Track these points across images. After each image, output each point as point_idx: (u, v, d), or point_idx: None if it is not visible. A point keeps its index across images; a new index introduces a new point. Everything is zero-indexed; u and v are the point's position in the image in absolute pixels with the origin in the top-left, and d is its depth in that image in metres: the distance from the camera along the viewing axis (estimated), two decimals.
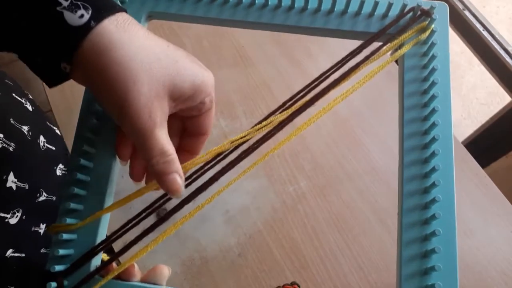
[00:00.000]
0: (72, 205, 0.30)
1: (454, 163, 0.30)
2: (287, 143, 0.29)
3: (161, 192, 0.29)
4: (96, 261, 0.30)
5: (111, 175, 0.32)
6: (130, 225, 0.30)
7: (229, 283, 0.57)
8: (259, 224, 0.61)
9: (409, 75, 0.33)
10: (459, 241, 0.54)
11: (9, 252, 0.53)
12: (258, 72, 0.73)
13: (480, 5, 1.82)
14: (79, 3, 0.26)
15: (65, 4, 0.25)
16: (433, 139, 0.30)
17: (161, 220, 0.28)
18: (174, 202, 0.29)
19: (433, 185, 0.29)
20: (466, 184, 0.64)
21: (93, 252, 0.29)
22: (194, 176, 0.30)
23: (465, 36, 0.91)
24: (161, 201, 0.30)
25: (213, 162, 0.31)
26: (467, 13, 0.89)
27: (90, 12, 0.26)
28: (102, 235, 0.31)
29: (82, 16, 0.25)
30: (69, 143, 0.66)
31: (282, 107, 0.31)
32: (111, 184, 0.32)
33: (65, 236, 0.29)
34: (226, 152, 0.31)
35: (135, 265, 0.30)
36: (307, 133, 0.67)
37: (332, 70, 0.31)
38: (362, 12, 0.34)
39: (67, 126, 0.69)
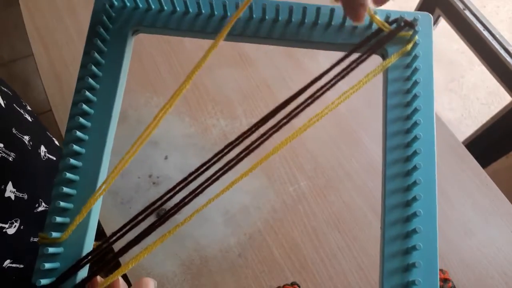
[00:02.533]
0: (58, 219, 0.30)
1: (436, 175, 0.31)
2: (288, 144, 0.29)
3: (159, 193, 0.29)
4: (82, 274, 0.30)
5: (97, 187, 0.32)
6: (125, 229, 0.29)
7: (229, 283, 0.57)
8: (259, 224, 0.61)
9: (392, 86, 0.33)
10: (459, 241, 0.54)
11: (7, 263, 0.53)
12: (258, 72, 0.73)
13: (481, 5, 1.82)
14: None
15: None
16: (415, 153, 0.31)
17: (156, 224, 0.28)
18: (171, 205, 0.29)
19: (415, 183, 0.30)
20: (467, 184, 0.64)
21: (79, 265, 0.29)
22: (190, 178, 0.30)
23: (466, 35, 0.91)
24: (159, 202, 0.30)
25: (212, 162, 0.31)
26: (467, 12, 0.89)
27: None
28: (88, 247, 0.31)
29: None
30: None
31: (265, 119, 0.31)
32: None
33: (51, 249, 0.29)
34: (221, 155, 0.31)
35: (120, 279, 0.29)
36: (307, 133, 0.66)
37: (313, 82, 0.31)
38: (346, 24, 0.34)
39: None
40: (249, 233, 0.60)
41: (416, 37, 0.33)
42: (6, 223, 0.52)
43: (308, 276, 0.57)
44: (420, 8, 1.02)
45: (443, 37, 1.64)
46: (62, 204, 0.30)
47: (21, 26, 0.77)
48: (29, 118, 0.62)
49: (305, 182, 0.64)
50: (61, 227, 0.31)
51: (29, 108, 0.65)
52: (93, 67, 0.33)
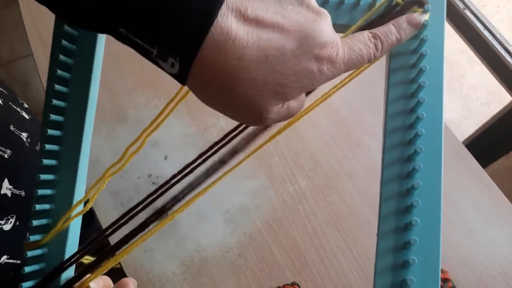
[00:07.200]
0: (35, 222, 0.30)
1: (442, 168, 0.30)
2: (287, 143, 0.29)
3: (153, 187, 0.29)
4: (66, 275, 0.30)
5: (76, 184, 0.32)
6: (117, 224, 0.29)
7: (229, 283, 0.57)
8: (259, 224, 0.61)
9: (395, 77, 0.29)
10: (459, 241, 0.53)
11: (4, 258, 0.53)
12: None
13: (481, 5, 1.82)
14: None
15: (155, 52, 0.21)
16: (415, 152, 0.29)
17: (151, 219, 0.28)
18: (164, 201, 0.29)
19: (413, 187, 0.29)
20: (467, 184, 0.64)
21: (62, 267, 0.29)
22: (185, 172, 0.30)
23: (466, 35, 0.91)
24: (153, 196, 0.30)
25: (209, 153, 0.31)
26: (467, 12, 0.88)
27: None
28: (72, 246, 0.31)
29: (172, 65, 0.22)
30: None
31: None
32: (78, 192, 0.32)
33: (30, 253, 0.29)
34: (208, 154, 0.31)
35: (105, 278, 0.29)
36: (307, 132, 0.66)
37: None
38: (345, 1, 0.30)
39: None
40: (249, 233, 0.60)
41: (427, 16, 0.29)
42: (2, 220, 0.52)
43: (308, 276, 0.57)
44: None
45: None
46: (38, 207, 0.30)
47: (20, 26, 0.77)
48: (26, 116, 0.62)
49: (305, 182, 0.64)
50: (44, 228, 0.30)
51: (26, 106, 0.65)
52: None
